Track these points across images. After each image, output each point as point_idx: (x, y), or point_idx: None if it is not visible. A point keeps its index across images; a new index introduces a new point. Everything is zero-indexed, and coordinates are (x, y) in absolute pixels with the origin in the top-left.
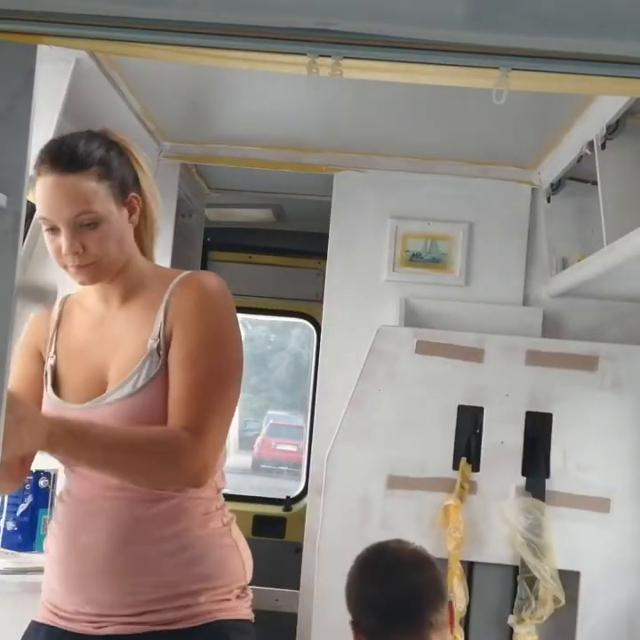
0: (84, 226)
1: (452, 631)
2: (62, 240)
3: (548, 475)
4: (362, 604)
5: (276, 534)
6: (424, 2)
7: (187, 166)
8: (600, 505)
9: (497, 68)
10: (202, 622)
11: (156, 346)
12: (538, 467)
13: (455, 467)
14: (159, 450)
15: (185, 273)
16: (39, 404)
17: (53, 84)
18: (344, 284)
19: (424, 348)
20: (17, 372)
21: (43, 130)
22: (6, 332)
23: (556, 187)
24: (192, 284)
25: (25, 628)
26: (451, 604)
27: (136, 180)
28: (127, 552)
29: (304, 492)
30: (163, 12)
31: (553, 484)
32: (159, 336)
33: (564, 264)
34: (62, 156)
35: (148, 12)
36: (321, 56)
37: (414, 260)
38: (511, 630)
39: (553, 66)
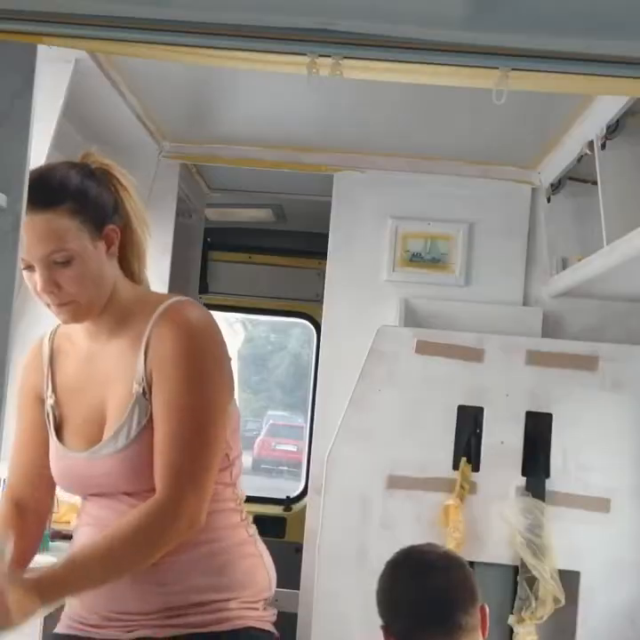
0: (57, 263)
1: (484, 635)
2: (37, 278)
3: (547, 475)
4: (392, 606)
5: (276, 534)
6: (424, 2)
7: (187, 166)
8: (600, 505)
9: (497, 68)
10: (230, 627)
11: (141, 391)
12: (538, 467)
13: (455, 467)
14: (144, 540)
15: (168, 302)
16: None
17: (53, 85)
18: (344, 284)
19: (424, 348)
20: (22, 420)
21: (43, 130)
22: (6, 331)
23: (556, 187)
24: (171, 320)
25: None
26: (483, 607)
27: (116, 208)
28: (157, 560)
29: (304, 492)
30: (163, 11)
31: (553, 484)
32: (143, 379)
33: (564, 264)
34: (36, 193)
35: (148, 12)
36: (321, 56)
37: (414, 260)
38: (511, 630)
39: (553, 66)
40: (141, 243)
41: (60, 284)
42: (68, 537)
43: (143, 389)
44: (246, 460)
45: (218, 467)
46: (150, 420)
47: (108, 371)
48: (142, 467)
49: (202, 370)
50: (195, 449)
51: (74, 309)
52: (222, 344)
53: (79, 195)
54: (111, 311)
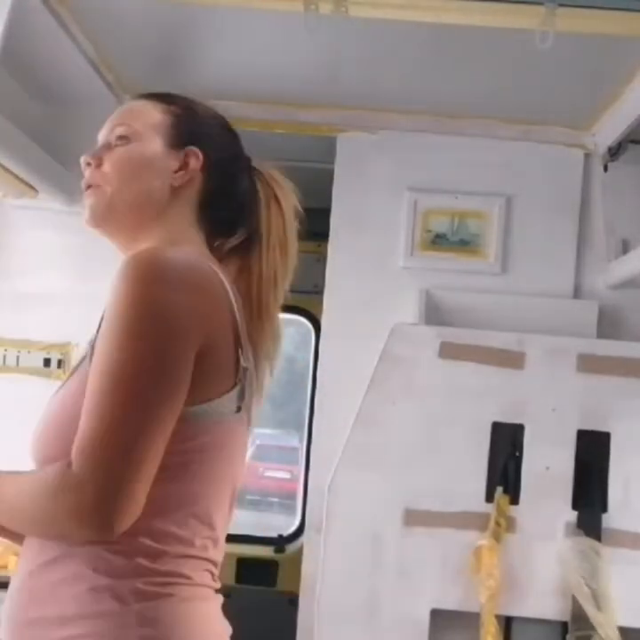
0: (115, 142)
1: None
2: None
3: (604, 509)
4: None
5: (265, 582)
6: None
7: None
8: None
9: (541, 3)
10: None
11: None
12: (592, 499)
13: (489, 499)
14: (40, 493)
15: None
16: None
17: None
18: (350, 273)
19: (450, 351)
20: None
21: None
22: None
23: (614, 152)
24: (125, 262)
25: None
26: None
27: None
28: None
29: (300, 530)
30: None
31: (611, 519)
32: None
33: (625, 247)
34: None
35: None
36: None
37: (438, 242)
38: None
39: (609, 1)
40: (274, 269)
41: (101, 160)
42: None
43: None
44: None
45: (153, 460)
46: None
47: None
48: (62, 419)
49: (132, 316)
50: (115, 421)
51: (95, 196)
52: (191, 302)
53: (204, 128)
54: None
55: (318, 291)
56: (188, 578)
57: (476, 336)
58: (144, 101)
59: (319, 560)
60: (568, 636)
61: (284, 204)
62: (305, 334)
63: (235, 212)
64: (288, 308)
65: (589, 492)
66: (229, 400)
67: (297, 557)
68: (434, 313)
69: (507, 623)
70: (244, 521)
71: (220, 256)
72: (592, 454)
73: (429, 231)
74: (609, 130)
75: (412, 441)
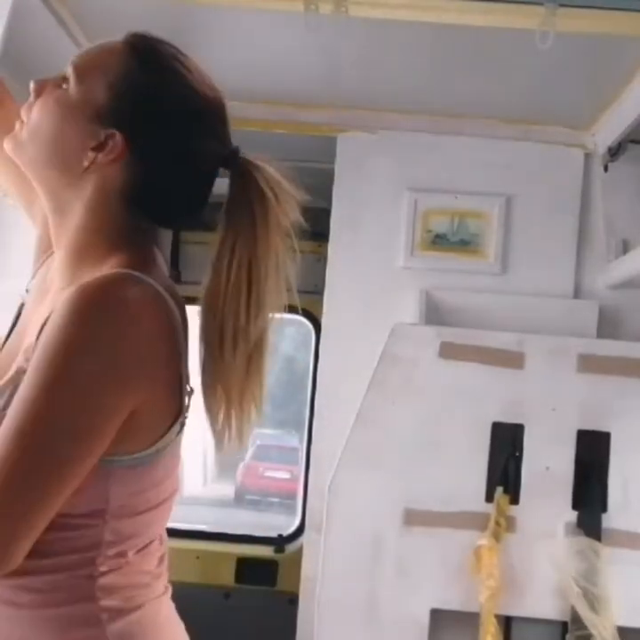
0: (60, 80)
1: None
2: None
3: (604, 509)
4: None
5: (264, 582)
6: None
7: None
8: None
9: (541, 3)
10: None
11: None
12: (592, 498)
13: (489, 498)
14: None
15: (100, 276)
16: None
17: None
18: (350, 273)
19: (450, 351)
20: None
21: None
22: None
23: (615, 151)
24: (72, 295)
25: None
26: None
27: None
28: None
29: (300, 530)
30: None
31: (611, 519)
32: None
33: (625, 247)
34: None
35: None
36: None
37: (438, 242)
38: None
39: (609, 1)
40: (261, 282)
41: (39, 95)
42: None
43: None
44: (228, 489)
45: (48, 514)
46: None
47: (27, 322)
48: None
49: (68, 367)
50: (15, 449)
51: (18, 132)
52: (138, 351)
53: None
54: (65, 234)
55: (318, 291)
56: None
57: (476, 336)
58: (120, 48)
59: (319, 560)
60: (568, 636)
61: (271, 219)
62: (305, 334)
63: (185, 213)
64: (288, 308)
65: (589, 492)
66: (171, 434)
67: (297, 557)
68: (434, 313)
69: (507, 623)
70: (245, 521)
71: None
72: (592, 454)
73: (429, 231)
74: (609, 130)
75: (412, 441)
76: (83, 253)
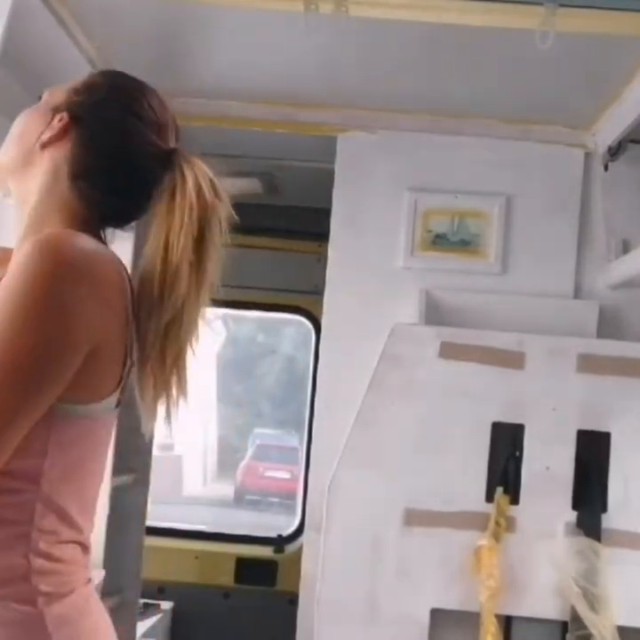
0: None
1: None
2: None
3: (604, 509)
4: None
5: (264, 582)
6: None
7: None
8: None
9: (541, 3)
10: None
11: None
12: (592, 498)
13: (489, 498)
14: None
15: (49, 231)
16: None
17: None
18: (350, 273)
19: (450, 351)
20: None
21: None
22: None
23: (615, 151)
24: (30, 247)
25: None
26: None
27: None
28: None
29: (299, 530)
30: None
31: (611, 519)
32: None
33: (625, 247)
34: None
35: None
36: None
37: (438, 242)
38: None
39: (609, 1)
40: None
41: None
42: None
43: None
44: (227, 489)
45: (11, 445)
46: None
47: None
48: None
49: (41, 309)
50: None
51: None
52: (89, 296)
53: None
54: (26, 216)
55: (319, 291)
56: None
57: (477, 336)
58: (92, 72)
59: (319, 560)
60: (568, 636)
61: (187, 209)
62: (305, 334)
63: (118, 198)
64: (288, 309)
65: (589, 492)
66: (113, 398)
67: (297, 557)
68: (434, 313)
69: (507, 623)
70: (244, 520)
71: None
72: (592, 454)
73: (429, 231)
74: (609, 130)
75: (412, 441)
76: (35, 225)
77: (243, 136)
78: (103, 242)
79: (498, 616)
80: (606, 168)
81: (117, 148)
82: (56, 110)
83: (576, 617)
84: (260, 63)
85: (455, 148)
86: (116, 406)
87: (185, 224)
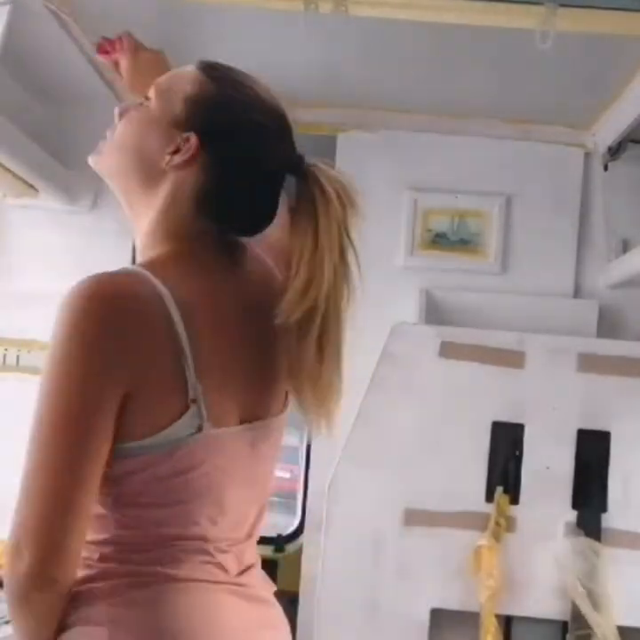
0: (143, 100)
1: None
2: None
3: (604, 508)
4: None
5: None
6: None
7: None
8: None
9: (541, 3)
10: None
11: None
12: (592, 498)
13: (489, 498)
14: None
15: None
16: None
17: None
18: None
19: (450, 350)
20: None
21: None
22: None
23: (615, 151)
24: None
25: None
26: None
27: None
28: None
29: (299, 530)
30: None
31: (611, 519)
32: None
33: (625, 247)
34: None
35: None
36: None
37: (438, 241)
38: None
39: (609, 1)
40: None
41: (122, 116)
42: None
43: None
44: None
45: (82, 513)
46: None
47: None
48: None
49: (52, 371)
50: (33, 483)
51: (101, 148)
52: (117, 339)
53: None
54: (140, 230)
55: None
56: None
57: (477, 335)
58: (192, 68)
59: (319, 560)
60: (568, 636)
61: (322, 233)
62: None
63: (249, 216)
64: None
65: (589, 492)
66: (183, 425)
67: (297, 557)
68: (434, 312)
69: (507, 623)
70: None
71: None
72: (592, 454)
73: (429, 231)
74: (609, 129)
75: (412, 441)
76: (149, 245)
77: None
78: (204, 260)
79: (498, 616)
80: (606, 168)
81: (248, 169)
82: (178, 126)
83: (576, 617)
84: (260, 63)
85: (455, 148)
86: (199, 431)
87: (332, 236)
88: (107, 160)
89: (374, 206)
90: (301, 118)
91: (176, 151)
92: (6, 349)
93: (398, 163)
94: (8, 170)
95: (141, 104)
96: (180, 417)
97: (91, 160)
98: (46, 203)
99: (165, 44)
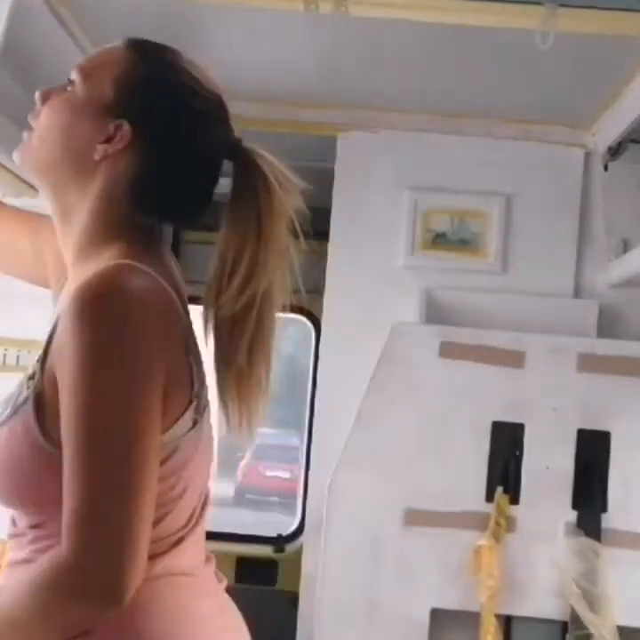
0: (66, 83)
1: None
2: None
3: (604, 508)
4: None
5: (265, 582)
6: None
7: None
8: None
9: (541, 3)
10: None
11: (30, 389)
12: (592, 498)
13: (489, 498)
14: (40, 590)
15: (98, 271)
16: None
17: None
18: (350, 272)
19: (450, 350)
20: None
21: None
22: None
23: (615, 151)
24: (77, 299)
25: None
26: None
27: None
28: None
29: (300, 530)
30: None
31: (611, 519)
32: (36, 374)
33: (625, 247)
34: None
35: None
36: None
37: (438, 241)
38: None
39: (610, 1)
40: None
41: (46, 101)
42: None
43: (37, 388)
44: (228, 488)
45: (148, 512)
46: (24, 407)
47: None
48: (11, 466)
49: (103, 376)
50: (98, 488)
51: (28, 139)
52: (152, 333)
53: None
54: (72, 237)
55: (319, 290)
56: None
57: (477, 335)
58: (122, 48)
59: (319, 560)
60: (568, 636)
61: (265, 224)
62: (305, 334)
63: (187, 207)
64: (288, 308)
65: (589, 492)
66: (185, 421)
67: (297, 557)
68: (434, 312)
69: (507, 623)
70: (245, 520)
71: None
72: (592, 454)
73: (430, 230)
74: (609, 129)
75: (412, 441)
76: (87, 251)
77: (243, 136)
78: (157, 251)
79: (498, 616)
80: (606, 168)
81: (186, 156)
82: (108, 113)
83: (576, 617)
84: (260, 62)
85: (455, 148)
86: (193, 426)
87: (276, 228)
88: (32, 154)
89: (374, 206)
90: (301, 118)
91: (108, 140)
92: (6, 349)
93: (398, 163)
94: (8, 170)
95: (65, 88)
96: (183, 413)
97: (15, 156)
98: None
99: (165, 42)
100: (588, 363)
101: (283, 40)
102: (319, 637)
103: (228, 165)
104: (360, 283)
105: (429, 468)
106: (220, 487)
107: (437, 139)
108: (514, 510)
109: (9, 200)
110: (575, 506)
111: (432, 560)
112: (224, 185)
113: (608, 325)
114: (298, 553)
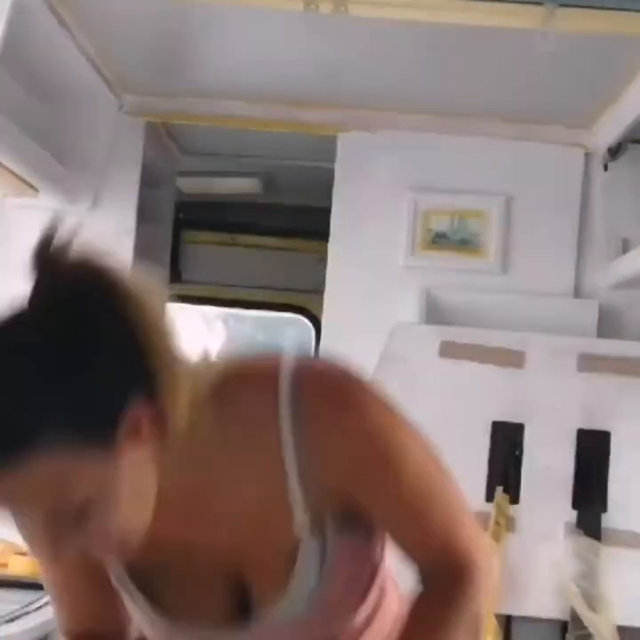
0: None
1: None
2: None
3: (604, 508)
4: None
5: None
6: None
7: (153, 125)
8: None
9: (541, 3)
10: None
11: (308, 524)
12: (592, 498)
13: (489, 498)
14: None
15: (284, 381)
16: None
17: None
18: (350, 272)
19: (450, 350)
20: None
21: None
22: None
23: (615, 151)
24: (322, 403)
25: None
26: None
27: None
28: None
29: None
30: None
31: (611, 519)
32: (305, 505)
33: (625, 247)
34: None
35: None
36: None
37: (438, 241)
38: None
39: (609, 1)
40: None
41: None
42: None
43: (312, 520)
44: None
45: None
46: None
47: (226, 511)
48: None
49: (401, 441)
50: (439, 502)
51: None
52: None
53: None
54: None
55: (319, 290)
56: None
57: (477, 335)
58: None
59: None
60: (568, 636)
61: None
62: (305, 334)
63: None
64: (288, 308)
65: (589, 492)
66: None
67: None
68: (434, 312)
69: (507, 622)
70: None
71: None
72: (592, 454)
73: (430, 230)
74: (609, 130)
75: None
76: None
77: (243, 136)
78: None
79: (498, 616)
80: (606, 168)
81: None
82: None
83: (576, 617)
84: (260, 63)
85: (455, 148)
86: None
87: None
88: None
89: (374, 206)
90: (302, 118)
91: (137, 430)
92: None
93: (398, 163)
94: (8, 169)
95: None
96: None
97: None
98: (46, 203)
99: (165, 42)
100: (588, 363)
101: (283, 40)
102: None
103: (228, 165)
104: (360, 282)
105: None
106: None
107: (437, 139)
108: (514, 510)
109: (9, 200)
110: (575, 506)
111: None
112: (224, 185)
113: (608, 325)
114: None
